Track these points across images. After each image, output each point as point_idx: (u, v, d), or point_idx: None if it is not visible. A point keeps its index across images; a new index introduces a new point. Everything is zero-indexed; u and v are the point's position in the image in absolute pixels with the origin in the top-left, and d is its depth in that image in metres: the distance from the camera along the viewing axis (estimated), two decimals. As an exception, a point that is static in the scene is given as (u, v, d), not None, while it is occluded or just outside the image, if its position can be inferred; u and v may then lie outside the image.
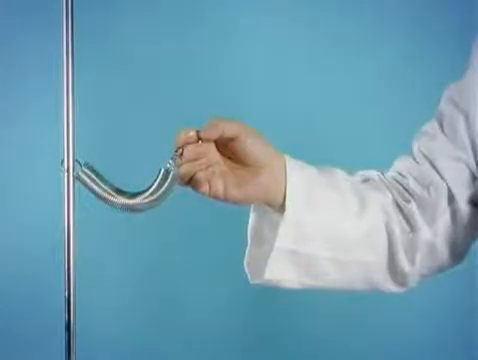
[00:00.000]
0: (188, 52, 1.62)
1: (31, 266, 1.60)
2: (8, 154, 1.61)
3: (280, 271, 0.91)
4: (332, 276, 0.93)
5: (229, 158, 0.87)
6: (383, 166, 1.03)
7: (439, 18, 1.62)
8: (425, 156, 0.97)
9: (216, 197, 0.86)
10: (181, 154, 0.84)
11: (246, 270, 0.94)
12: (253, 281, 0.94)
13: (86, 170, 0.82)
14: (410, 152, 1.00)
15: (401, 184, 0.97)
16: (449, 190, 0.94)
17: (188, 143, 0.83)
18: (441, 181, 0.95)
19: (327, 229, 0.90)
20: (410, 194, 0.96)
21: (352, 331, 1.66)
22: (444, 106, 0.98)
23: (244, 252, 1.74)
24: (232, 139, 0.85)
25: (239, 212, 1.65)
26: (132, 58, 1.61)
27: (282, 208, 0.89)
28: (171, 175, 0.84)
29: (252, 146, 0.85)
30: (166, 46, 1.61)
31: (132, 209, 0.84)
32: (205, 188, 0.84)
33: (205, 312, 1.64)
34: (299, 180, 0.89)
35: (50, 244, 1.53)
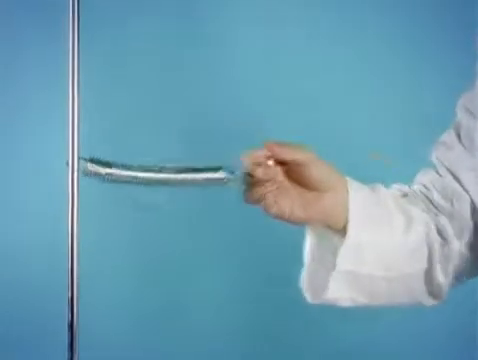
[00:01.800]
0: (188, 52, 1.61)
1: (33, 266, 1.60)
2: (12, 154, 1.60)
3: (340, 291, 0.92)
4: (382, 293, 0.94)
5: (293, 180, 0.89)
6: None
7: (439, 18, 1.62)
8: (446, 168, 0.98)
9: (281, 218, 0.88)
10: (249, 174, 0.86)
11: (304, 290, 0.96)
12: (312, 301, 0.95)
13: (93, 164, 0.82)
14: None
15: (427, 197, 0.98)
16: (472, 201, 0.95)
17: (258, 164, 0.86)
18: (464, 193, 0.95)
19: (380, 248, 0.91)
20: (435, 207, 0.97)
21: (352, 330, 1.66)
22: (460, 115, 0.98)
23: (244, 252, 1.74)
24: (300, 164, 0.87)
25: (239, 213, 1.66)
26: (137, 56, 1.61)
27: (343, 230, 0.90)
28: (221, 178, 0.86)
29: (318, 172, 0.87)
30: (168, 46, 1.61)
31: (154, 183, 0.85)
32: (273, 209, 0.87)
33: (208, 312, 1.64)
34: (359, 203, 0.90)
35: (52, 244, 1.53)
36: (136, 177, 0.85)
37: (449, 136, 0.99)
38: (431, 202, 0.97)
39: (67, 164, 0.80)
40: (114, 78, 1.61)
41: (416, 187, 0.99)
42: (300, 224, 0.91)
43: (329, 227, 0.91)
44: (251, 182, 0.86)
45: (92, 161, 0.82)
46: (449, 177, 0.97)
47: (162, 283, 1.64)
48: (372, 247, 0.91)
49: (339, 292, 0.92)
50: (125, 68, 1.61)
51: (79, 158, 0.81)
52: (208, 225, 1.64)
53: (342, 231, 0.90)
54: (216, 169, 0.87)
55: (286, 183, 0.88)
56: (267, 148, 0.86)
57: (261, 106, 1.63)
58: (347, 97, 1.64)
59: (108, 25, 1.59)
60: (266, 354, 1.65)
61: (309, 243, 0.95)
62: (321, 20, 1.64)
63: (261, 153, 0.86)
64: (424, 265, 0.94)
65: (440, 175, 0.98)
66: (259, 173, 0.85)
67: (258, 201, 0.87)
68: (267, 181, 0.86)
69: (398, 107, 1.64)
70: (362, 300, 0.94)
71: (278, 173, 0.87)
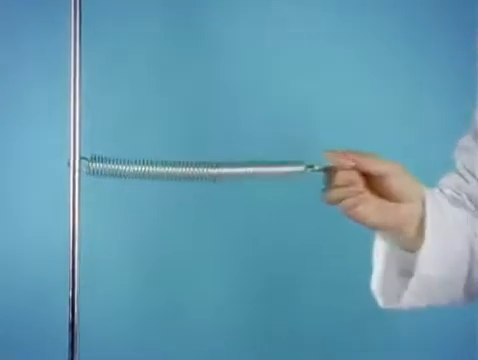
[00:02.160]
0: (189, 50, 1.61)
1: (34, 267, 1.60)
2: (13, 155, 1.60)
3: (413, 296, 0.94)
4: (439, 295, 0.96)
5: (371, 188, 0.90)
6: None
7: (439, 18, 1.62)
8: (472, 173, 0.99)
9: (357, 221, 0.90)
10: (327, 171, 0.88)
11: (377, 295, 0.97)
12: (385, 306, 0.97)
13: (95, 163, 0.82)
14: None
15: (458, 201, 0.99)
16: None
17: (342, 168, 0.88)
18: None
19: (445, 252, 0.93)
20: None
21: (352, 330, 1.66)
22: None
23: (244, 252, 1.74)
24: (381, 175, 0.89)
25: (241, 213, 1.66)
26: (138, 54, 1.61)
27: (419, 236, 0.92)
28: (289, 170, 0.88)
29: (398, 184, 0.89)
30: (169, 44, 1.61)
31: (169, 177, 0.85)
32: (350, 213, 0.89)
33: (208, 313, 1.64)
34: (434, 212, 0.92)
35: (52, 245, 1.53)
36: (149, 172, 0.85)
37: (469, 141, 1.01)
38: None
39: (68, 164, 0.80)
40: (115, 77, 1.61)
41: (448, 191, 1.01)
42: (374, 229, 0.93)
43: (401, 234, 0.93)
44: (330, 184, 0.89)
45: (95, 160, 0.82)
46: (475, 183, 0.99)
47: (163, 283, 1.64)
48: (442, 252, 0.92)
49: (412, 297, 0.94)
50: (126, 67, 1.61)
51: (80, 158, 0.81)
52: (209, 225, 1.64)
53: (419, 237, 0.92)
54: (297, 163, 0.89)
55: (365, 189, 0.89)
56: (350, 158, 0.87)
57: (260, 105, 1.63)
58: (346, 97, 1.64)
59: (110, 22, 1.59)
60: (266, 354, 1.65)
61: (382, 249, 0.97)
62: (321, 20, 1.64)
63: (344, 160, 0.87)
64: (466, 267, 0.95)
65: (466, 181, 1.00)
66: (338, 178, 0.88)
67: (335, 203, 0.89)
68: (347, 186, 0.88)
69: (398, 107, 1.64)
70: (421, 305, 0.96)
71: (358, 181, 0.89)
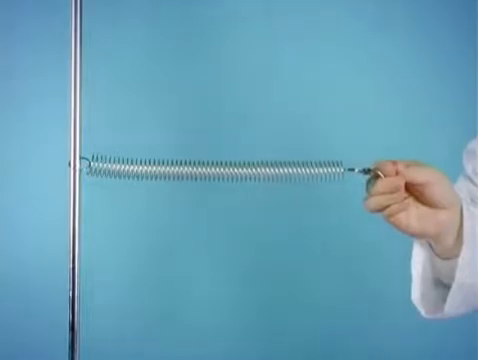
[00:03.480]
0: (189, 51, 1.62)
1: (35, 267, 1.60)
2: (13, 155, 1.60)
3: (457, 305, 0.94)
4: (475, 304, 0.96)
5: (411, 194, 0.90)
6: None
7: (440, 17, 1.63)
8: None
9: (398, 228, 0.90)
10: (373, 174, 0.88)
11: (418, 306, 0.97)
12: (427, 316, 0.97)
13: (96, 163, 0.82)
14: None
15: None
16: None
17: (387, 175, 0.87)
18: None
19: None
20: None
21: (351, 330, 1.66)
22: None
23: (245, 252, 1.74)
24: (423, 183, 0.89)
25: (241, 216, 1.66)
26: (138, 55, 1.61)
27: (456, 244, 0.92)
28: (333, 171, 0.88)
29: (440, 191, 0.89)
30: (169, 45, 1.62)
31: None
32: (392, 220, 0.89)
33: (208, 313, 1.65)
34: (472, 220, 0.92)
35: (53, 245, 1.53)
36: (151, 171, 0.85)
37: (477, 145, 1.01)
38: None
39: (69, 164, 0.80)
40: (116, 77, 1.61)
41: (462, 196, 0.99)
42: (413, 236, 0.92)
43: (440, 242, 0.93)
44: (374, 191, 0.88)
45: (95, 159, 0.82)
46: None
47: (163, 283, 1.64)
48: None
49: (454, 306, 0.94)
50: (127, 67, 1.61)
51: (81, 158, 0.81)
52: (209, 225, 1.64)
53: (452, 246, 0.92)
54: (337, 164, 0.88)
55: (409, 198, 0.89)
56: (396, 168, 0.87)
57: (266, 106, 1.63)
58: (352, 99, 1.64)
59: (111, 21, 1.59)
60: (266, 355, 1.65)
61: (419, 258, 0.96)
62: (325, 22, 1.64)
63: (390, 168, 0.87)
64: None
65: (476, 185, 1.01)
66: (383, 184, 0.87)
67: (379, 210, 0.89)
68: (392, 192, 0.87)
69: (402, 109, 1.64)
70: (463, 312, 0.96)
71: (403, 187, 0.88)
